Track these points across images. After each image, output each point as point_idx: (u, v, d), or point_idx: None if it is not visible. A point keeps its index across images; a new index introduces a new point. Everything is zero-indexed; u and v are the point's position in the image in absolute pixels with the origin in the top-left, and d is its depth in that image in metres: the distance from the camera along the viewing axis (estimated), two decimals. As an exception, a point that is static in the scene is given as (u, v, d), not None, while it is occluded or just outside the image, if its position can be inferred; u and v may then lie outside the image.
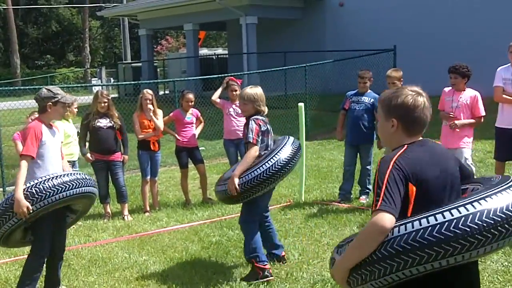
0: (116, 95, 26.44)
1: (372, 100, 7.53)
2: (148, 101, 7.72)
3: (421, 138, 2.68)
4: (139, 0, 26.79)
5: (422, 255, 2.31)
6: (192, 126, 8.08)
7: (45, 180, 4.42)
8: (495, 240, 2.33)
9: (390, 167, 2.48)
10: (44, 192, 4.36)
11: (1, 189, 9.64)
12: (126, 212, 7.60)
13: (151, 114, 7.72)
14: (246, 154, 4.97)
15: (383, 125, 2.70)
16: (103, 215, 7.59)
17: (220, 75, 15.76)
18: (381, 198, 2.41)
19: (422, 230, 2.32)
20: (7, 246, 4.98)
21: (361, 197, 7.67)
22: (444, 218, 2.32)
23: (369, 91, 7.66)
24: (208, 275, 5.26)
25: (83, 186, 4.62)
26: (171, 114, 8.18)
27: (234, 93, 7.90)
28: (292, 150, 5.03)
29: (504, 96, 6.65)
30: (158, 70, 29.81)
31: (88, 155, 7.41)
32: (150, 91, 7.87)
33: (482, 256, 2.40)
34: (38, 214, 4.42)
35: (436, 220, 2.33)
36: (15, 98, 19.44)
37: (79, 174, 4.72)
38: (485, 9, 16.82)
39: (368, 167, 7.67)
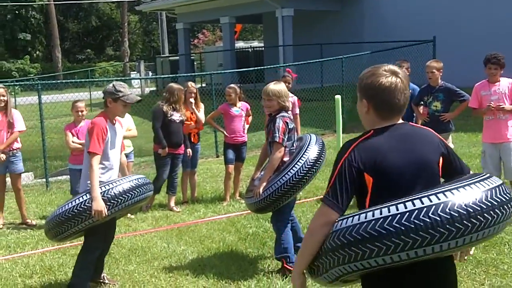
0: (154, 89, 26.78)
1: (411, 91, 7.43)
2: (192, 95, 7.80)
3: (400, 121, 2.47)
4: (177, -6, 27.00)
5: (364, 249, 2.20)
6: (240, 119, 7.90)
7: (116, 186, 4.45)
8: (440, 240, 2.14)
9: (345, 155, 2.36)
10: (116, 199, 4.40)
11: (44, 179, 9.89)
12: (173, 203, 7.68)
13: (193, 107, 7.80)
14: (271, 156, 4.92)
15: (358, 106, 2.53)
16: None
17: (256, 68, 15.81)
18: (327, 189, 2.37)
19: (365, 224, 2.21)
20: (64, 241, 5.05)
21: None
22: (389, 212, 2.19)
23: None
24: (244, 265, 5.31)
25: (147, 192, 4.72)
26: (219, 108, 8.21)
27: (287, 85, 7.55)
28: (317, 150, 4.96)
29: None
30: (195, 63, 30.04)
31: (167, 149, 7.38)
32: (194, 85, 7.95)
33: (435, 254, 2.20)
34: (107, 218, 4.46)
35: (381, 214, 2.20)
36: (57, 92, 19.93)
37: (142, 179, 4.73)
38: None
39: None
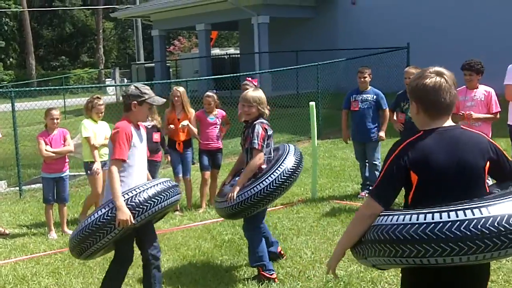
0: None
1: (375, 96, 7.63)
2: (176, 98, 7.74)
3: (450, 124, 2.58)
4: (152, 1, 26.96)
5: (403, 249, 2.36)
6: (215, 127, 7.88)
7: (141, 192, 4.12)
8: (476, 252, 2.29)
9: (395, 152, 2.53)
10: (142, 205, 4.08)
11: (17, 188, 9.75)
12: None
13: (188, 108, 7.74)
14: (250, 162, 4.84)
15: (411, 108, 2.67)
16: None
17: (232, 75, 15.82)
18: (376, 183, 2.57)
19: (401, 226, 2.37)
20: (90, 259, 4.64)
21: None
22: (433, 219, 2.32)
23: (369, 87, 7.72)
24: (220, 272, 5.30)
25: (175, 195, 4.39)
26: (195, 114, 8.16)
27: None
28: (295, 160, 4.96)
29: None
30: (171, 70, 29.93)
31: None
32: (182, 89, 7.86)
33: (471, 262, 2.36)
34: (135, 227, 4.14)
35: (424, 219, 2.34)
36: (31, 99, 19.67)
37: (168, 182, 4.42)
38: (499, 4, 16.69)
39: (375, 162, 7.72)
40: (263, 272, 4.94)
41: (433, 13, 18.13)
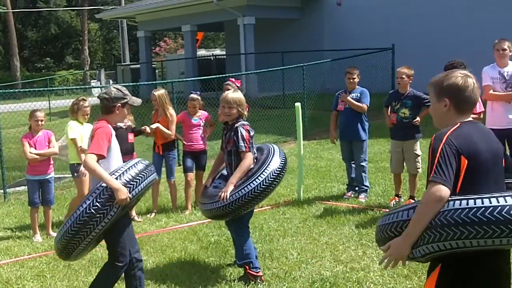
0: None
1: (358, 95, 7.68)
2: (153, 102, 7.75)
3: (471, 119, 2.84)
4: (137, 2, 26.87)
5: (469, 231, 2.50)
6: (199, 128, 7.89)
7: (127, 169, 4.16)
8: None
9: (443, 142, 2.67)
10: (134, 180, 4.12)
11: (2, 190, 9.67)
12: (134, 213, 7.55)
13: (170, 112, 7.74)
14: (242, 163, 4.85)
15: (436, 106, 2.87)
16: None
17: (218, 76, 15.80)
18: (433, 171, 2.64)
19: (474, 209, 2.51)
20: (76, 258, 4.46)
21: (360, 196, 7.69)
22: (498, 202, 2.51)
23: (357, 87, 7.77)
24: (206, 274, 5.30)
25: (154, 172, 4.42)
26: (177, 116, 8.16)
27: None
28: (281, 161, 5.00)
29: (494, 93, 6.60)
30: (157, 71, 29.84)
31: None
32: (158, 92, 7.82)
33: None
34: (131, 204, 4.18)
35: (489, 203, 2.52)
36: (15, 101, 19.51)
37: (144, 161, 4.40)
38: (484, 5, 16.84)
39: (362, 163, 7.74)
40: (249, 270, 4.96)
41: (418, 14, 18.24)
